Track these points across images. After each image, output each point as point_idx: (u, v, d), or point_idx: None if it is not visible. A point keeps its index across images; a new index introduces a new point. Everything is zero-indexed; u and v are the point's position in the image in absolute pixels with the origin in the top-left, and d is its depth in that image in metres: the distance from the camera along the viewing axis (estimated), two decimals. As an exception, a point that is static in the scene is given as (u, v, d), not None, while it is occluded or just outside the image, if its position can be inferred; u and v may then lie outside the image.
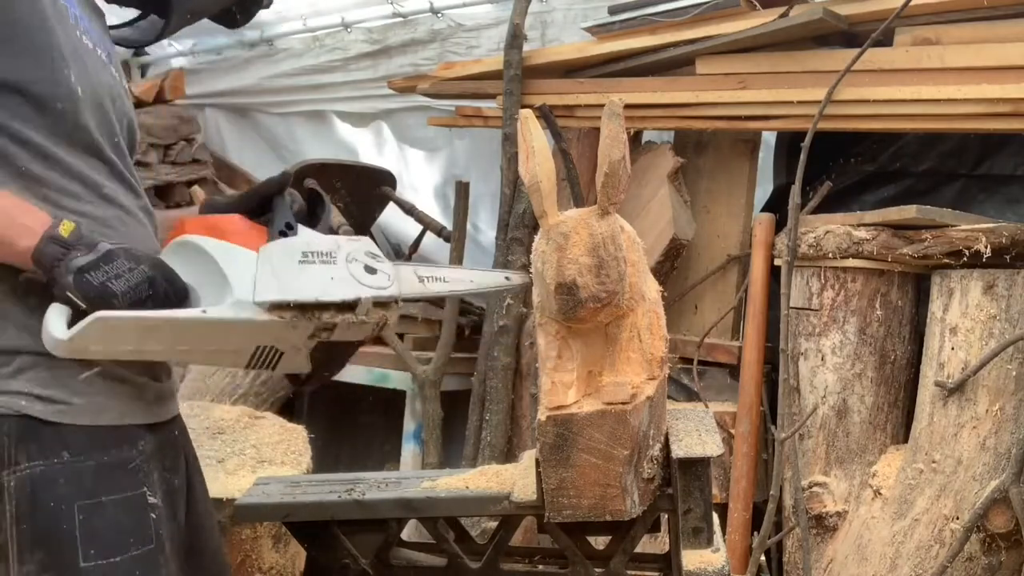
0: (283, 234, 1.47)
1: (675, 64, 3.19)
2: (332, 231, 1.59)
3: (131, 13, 1.68)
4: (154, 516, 1.44)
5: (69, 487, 1.36)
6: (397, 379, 3.63)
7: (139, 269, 1.34)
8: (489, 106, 3.59)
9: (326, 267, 1.45)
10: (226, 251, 1.43)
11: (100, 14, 1.57)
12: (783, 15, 2.89)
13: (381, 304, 1.49)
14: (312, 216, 1.56)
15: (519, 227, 3.36)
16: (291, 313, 1.40)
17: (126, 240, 1.41)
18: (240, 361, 1.49)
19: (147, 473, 1.44)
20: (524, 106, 3.34)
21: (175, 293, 1.39)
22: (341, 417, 4.20)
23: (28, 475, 1.35)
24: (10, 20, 1.32)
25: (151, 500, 1.44)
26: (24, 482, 1.35)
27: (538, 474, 1.58)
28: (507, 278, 1.83)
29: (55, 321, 1.33)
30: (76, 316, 1.33)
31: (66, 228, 1.32)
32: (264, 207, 1.52)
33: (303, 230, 1.50)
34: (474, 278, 1.79)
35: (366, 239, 1.54)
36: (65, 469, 1.36)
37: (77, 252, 1.32)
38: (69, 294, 1.32)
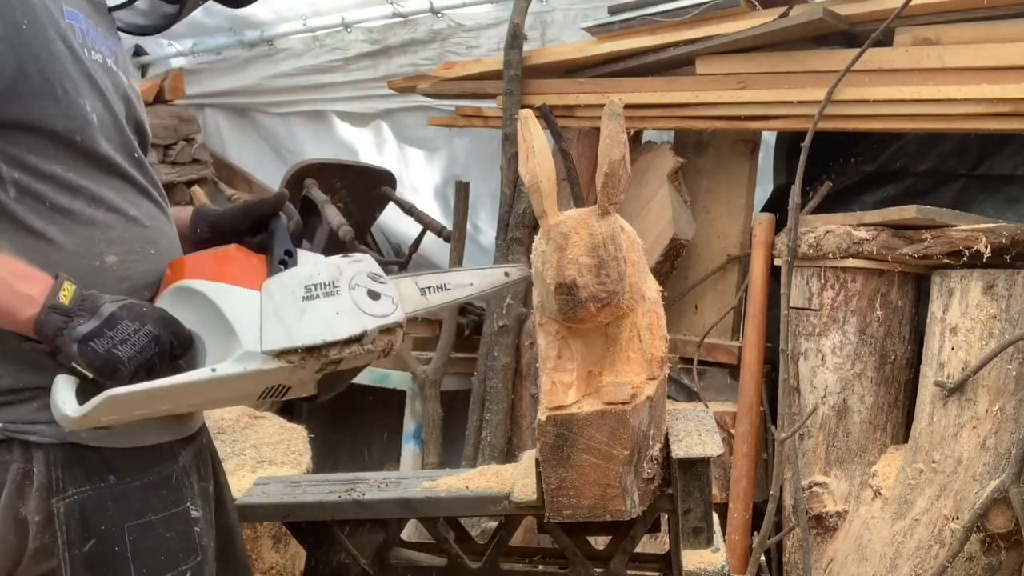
0: (283, 263, 1.45)
1: (675, 64, 3.19)
2: (332, 232, 1.59)
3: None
4: (198, 529, 1.45)
5: (118, 509, 1.37)
6: (397, 379, 3.63)
7: (144, 330, 1.31)
8: (489, 106, 3.60)
9: (330, 300, 1.42)
10: (227, 295, 1.39)
11: (103, 11, 1.55)
12: (783, 15, 2.89)
13: (387, 330, 1.47)
14: (307, 227, 1.50)
15: (519, 227, 3.36)
16: (299, 356, 1.39)
17: (155, 259, 1.42)
18: (249, 401, 1.50)
19: (188, 486, 1.46)
20: (524, 106, 3.34)
21: (180, 344, 1.36)
22: (341, 417, 4.19)
23: (77, 500, 1.35)
24: (20, 60, 1.30)
25: (194, 514, 1.45)
26: (74, 508, 1.35)
27: (538, 474, 1.58)
28: (506, 273, 1.80)
29: (64, 395, 1.29)
30: (84, 384, 1.29)
31: (66, 293, 1.29)
32: (260, 226, 1.50)
33: (302, 255, 1.48)
34: (473, 280, 1.76)
35: (367, 259, 1.52)
36: (113, 491, 1.37)
37: (80, 319, 1.28)
38: (75, 364, 1.28)
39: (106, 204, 1.39)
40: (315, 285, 1.42)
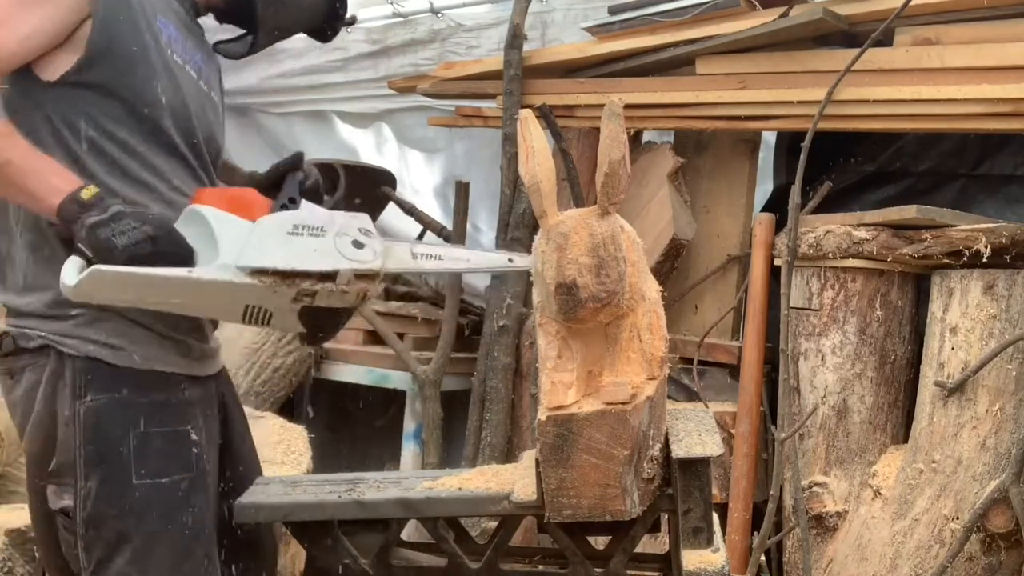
0: (284, 207, 1.64)
1: (675, 64, 3.20)
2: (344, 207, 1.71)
3: (233, 30, 1.94)
4: (195, 451, 1.72)
5: (125, 418, 1.66)
6: (397, 379, 3.63)
7: (142, 229, 1.53)
8: (489, 106, 3.60)
9: (313, 239, 1.59)
10: (223, 220, 1.59)
11: (198, 34, 1.85)
12: (783, 15, 2.89)
13: (363, 276, 1.61)
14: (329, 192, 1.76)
15: (519, 227, 3.36)
16: (271, 279, 1.56)
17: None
18: (234, 317, 1.65)
19: (191, 415, 1.72)
20: (524, 106, 3.34)
21: (179, 253, 1.57)
22: (341, 417, 4.20)
23: (94, 405, 1.65)
24: (112, 37, 1.62)
25: (193, 437, 1.72)
26: (91, 411, 1.65)
27: (538, 474, 1.58)
28: (510, 260, 1.88)
29: (68, 270, 1.52)
30: (88, 266, 1.51)
31: (88, 192, 1.54)
32: (279, 183, 1.72)
33: (306, 205, 1.65)
34: (471, 258, 1.87)
35: (364, 216, 1.66)
36: (122, 402, 1.66)
37: (93, 212, 1.53)
38: (80, 246, 1.53)
39: (158, 173, 1.68)
40: (304, 226, 1.60)
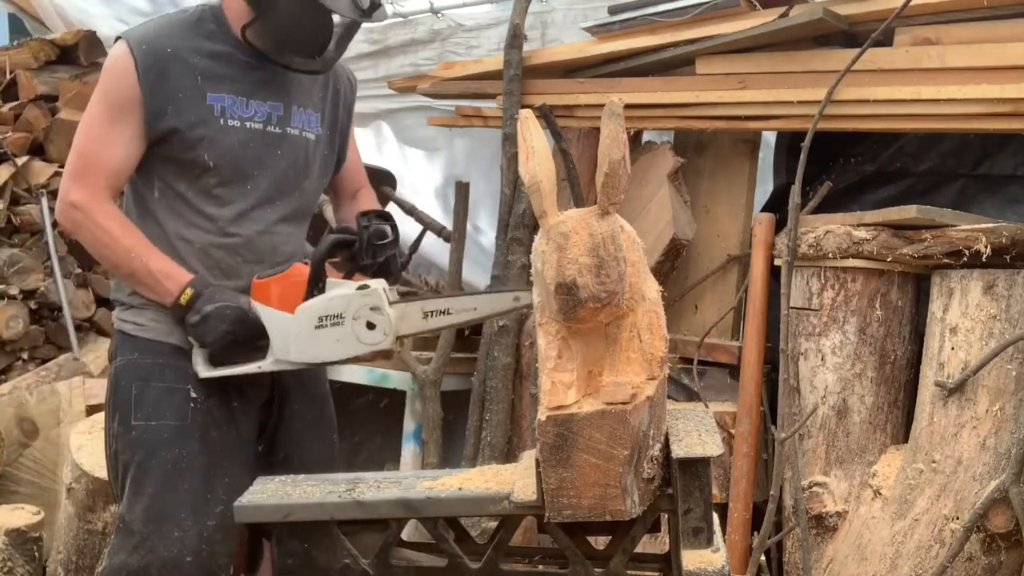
0: (312, 294, 2.13)
1: (675, 64, 3.20)
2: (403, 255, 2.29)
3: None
4: (191, 406, 2.17)
5: (133, 374, 2.19)
6: (397, 379, 3.63)
7: (223, 327, 2.12)
8: (489, 106, 3.59)
9: (335, 329, 2.10)
10: (271, 318, 2.14)
11: (277, 83, 2.25)
12: (783, 15, 2.89)
13: (379, 352, 2.14)
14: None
15: (519, 227, 3.36)
16: (308, 365, 2.18)
17: (239, 263, 2.22)
18: None
19: (195, 381, 2.17)
20: (524, 106, 3.34)
21: (253, 338, 2.15)
22: (341, 417, 4.19)
23: (116, 365, 2.23)
24: (167, 128, 2.15)
25: (193, 395, 2.17)
26: (116, 370, 2.23)
27: (538, 474, 1.58)
28: (516, 298, 2.23)
29: (197, 358, 2.19)
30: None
31: (185, 297, 2.12)
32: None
33: (330, 286, 2.13)
34: (478, 305, 2.20)
35: (375, 292, 2.09)
36: (134, 363, 2.21)
37: (191, 314, 2.13)
38: (190, 337, 2.17)
39: (210, 219, 2.20)
40: (326, 316, 2.10)
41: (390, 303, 2.12)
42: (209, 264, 2.21)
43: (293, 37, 2.17)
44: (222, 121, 2.18)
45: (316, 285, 2.11)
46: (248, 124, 2.21)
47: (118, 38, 2.19)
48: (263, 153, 2.23)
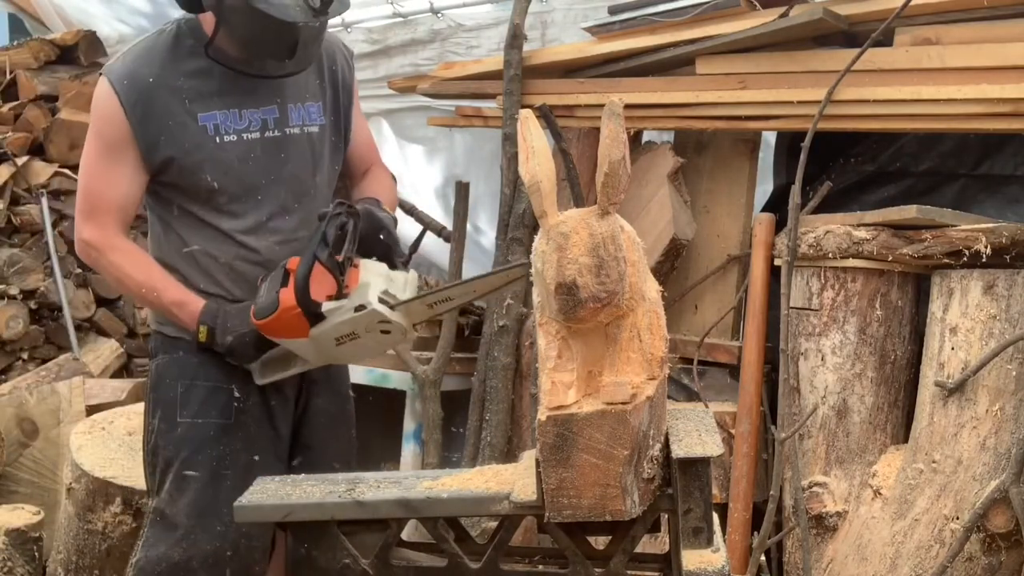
0: (312, 321, 2.10)
1: (675, 64, 3.19)
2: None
3: None
4: (236, 404, 2.23)
5: (177, 372, 2.24)
6: (397, 379, 3.63)
7: (250, 353, 2.17)
8: (489, 106, 3.59)
9: (355, 343, 2.12)
10: (290, 345, 2.16)
11: (267, 87, 2.21)
12: (783, 15, 2.89)
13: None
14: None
15: (519, 227, 3.36)
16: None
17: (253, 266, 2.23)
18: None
19: (238, 377, 2.22)
20: (524, 106, 3.33)
21: (255, 351, 2.19)
22: (341, 417, 4.19)
23: (158, 362, 2.28)
24: (163, 159, 2.18)
25: (236, 394, 2.23)
26: (157, 367, 2.28)
27: (538, 474, 1.58)
28: (506, 275, 2.23)
29: (252, 368, 2.24)
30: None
31: (202, 334, 2.16)
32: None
33: (328, 311, 2.09)
34: (476, 287, 2.22)
35: (372, 310, 2.08)
36: (177, 361, 2.25)
37: (216, 347, 2.17)
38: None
39: (223, 233, 2.21)
40: (341, 337, 2.12)
41: (392, 307, 2.11)
42: (235, 278, 2.23)
43: (256, 48, 2.12)
44: (217, 139, 2.17)
45: (310, 315, 2.08)
46: (245, 136, 2.20)
47: (100, 74, 2.19)
48: (267, 162, 2.22)
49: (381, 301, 2.10)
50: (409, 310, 2.14)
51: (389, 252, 2.24)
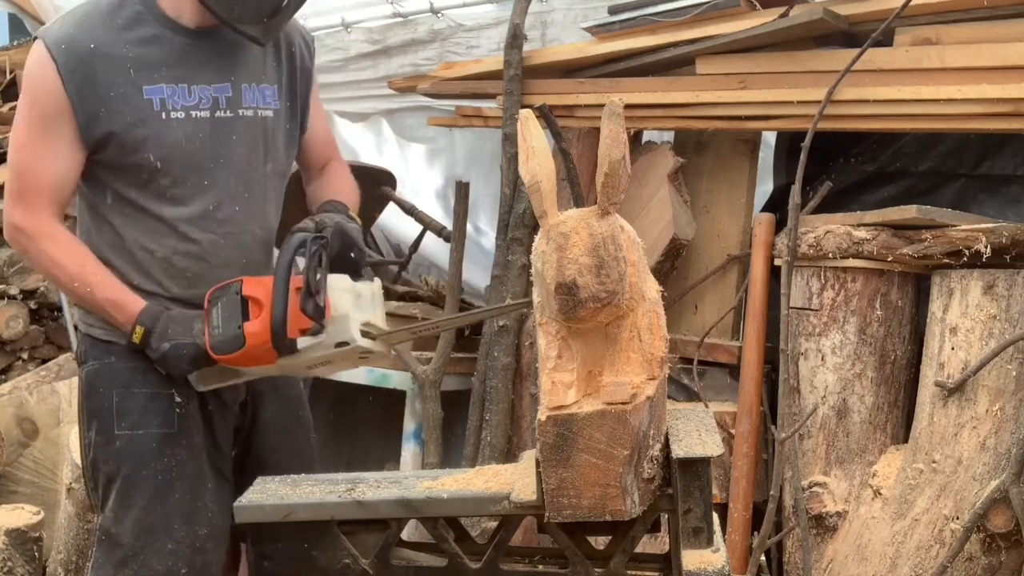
0: (282, 351, 1.95)
1: (675, 64, 3.19)
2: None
3: None
4: (178, 411, 2.04)
5: (111, 379, 2.04)
6: (397, 379, 3.63)
7: (183, 367, 1.98)
8: (489, 106, 3.59)
9: (329, 366, 2.04)
10: (254, 372, 2.02)
11: (219, 62, 2.05)
12: (783, 15, 2.89)
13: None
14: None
15: (519, 227, 3.36)
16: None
17: (195, 259, 2.06)
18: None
19: (180, 383, 2.03)
20: (524, 106, 3.33)
21: (198, 358, 1.99)
22: (341, 417, 4.19)
23: (89, 369, 2.08)
24: (102, 133, 1.97)
25: (178, 399, 2.04)
26: (87, 374, 2.08)
27: (538, 474, 1.58)
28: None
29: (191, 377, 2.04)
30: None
31: (137, 335, 1.98)
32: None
33: (302, 344, 1.96)
34: (465, 321, 2.26)
35: (356, 346, 1.96)
36: (110, 367, 2.05)
37: (149, 351, 1.99)
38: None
39: (164, 221, 2.02)
40: (314, 366, 2.01)
41: (374, 338, 1.99)
42: (173, 273, 2.05)
43: None
44: (163, 115, 1.98)
45: (283, 346, 1.90)
46: (194, 113, 2.00)
47: (34, 37, 2.03)
48: (216, 143, 2.02)
49: (364, 334, 1.97)
50: (391, 337, 2.03)
51: (357, 267, 2.06)
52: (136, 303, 1.98)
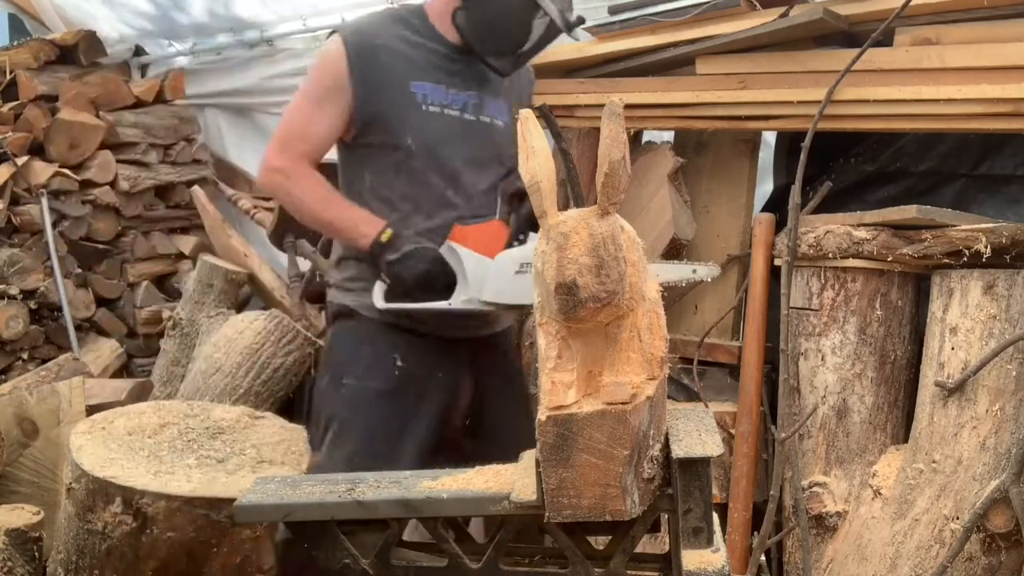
0: (517, 241, 2.39)
1: (675, 64, 3.19)
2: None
3: None
4: (398, 372, 2.39)
5: (345, 338, 2.46)
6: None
7: (421, 266, 2.31)
8: (489, 106, 3.59)
9: (530, 276, 2.15)
10: (470, 259, 2.31)
11: (471, 75, 2.48)
12: (783, 15, 2.89)
13: None
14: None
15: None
16: (500, 308, 2.36)
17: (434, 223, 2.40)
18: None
19: (403, 347, 2.40)
20: (524, 106, 3.33)
21: (446, 280, 2.33)
22: (341, 417, 4.19)
23: (336, 328, 2.50)
24: (373, 114, 2.38)
25: (399, 363, 2.40)
26: (332, 333, 2.52)
27: (538, 474, 1.58)
28: (694, 271, 2.60)
29: (376, 293, 2.36)
30: (388, 286, 2.35)
31: (386, 235, 2.32)
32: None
33: (532, 239, 2.28)
34: (660, 271, 2.46)
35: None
36: (353, 328, 2.45)
37: (390, 252, 2.32)
38: (383, 275, 2.35)
39: (415, 202, 2.40)
40: (527, 263, 2.22)
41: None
42: (416, 207, 2.42)
43: (494, 29, 2.37)
44: (424, 107, 2.39)
45: (517, 236, 2.32)
46: (446, 111, 2.42)
47: (332, 32, 2.43)
48: (459, 140, 2.43)
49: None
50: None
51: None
52: (383, 219, 2.35)
